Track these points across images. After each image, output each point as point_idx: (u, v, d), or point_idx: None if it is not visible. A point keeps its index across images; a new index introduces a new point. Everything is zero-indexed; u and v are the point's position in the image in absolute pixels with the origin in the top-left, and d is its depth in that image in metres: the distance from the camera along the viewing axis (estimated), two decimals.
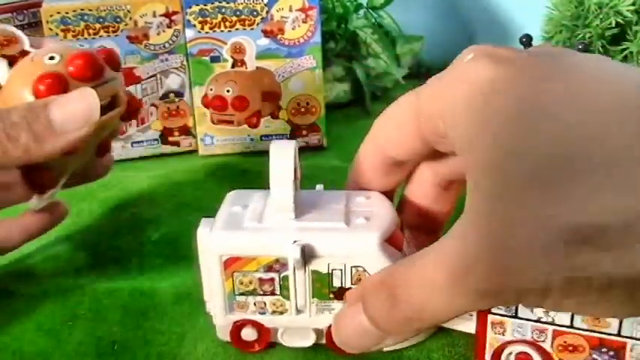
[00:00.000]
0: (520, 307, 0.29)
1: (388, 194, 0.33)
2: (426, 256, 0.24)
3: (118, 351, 0.34)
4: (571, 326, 0.28)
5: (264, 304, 0.30)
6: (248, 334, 0.31)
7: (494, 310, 0.29)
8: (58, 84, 0.31)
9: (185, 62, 0.58)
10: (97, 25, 0.56)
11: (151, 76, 0.58)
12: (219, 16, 0.56)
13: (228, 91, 0.58)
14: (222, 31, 0.56)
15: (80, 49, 0.34)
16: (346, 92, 0.69)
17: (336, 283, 0.29)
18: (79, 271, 0.42)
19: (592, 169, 0.20)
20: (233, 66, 0.57)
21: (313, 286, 0.30)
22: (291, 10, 0.56)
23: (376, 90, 0.72)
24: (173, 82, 0.59)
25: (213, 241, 0.29)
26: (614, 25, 0.57)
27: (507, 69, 0.23)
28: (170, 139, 0.61)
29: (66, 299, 0.38)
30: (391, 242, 0.29)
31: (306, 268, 0.29)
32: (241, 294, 0.30)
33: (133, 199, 0.51)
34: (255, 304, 0.31)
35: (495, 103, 0.23)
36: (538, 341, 0.29)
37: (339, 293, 0.29)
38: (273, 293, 0.30)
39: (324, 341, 0.31)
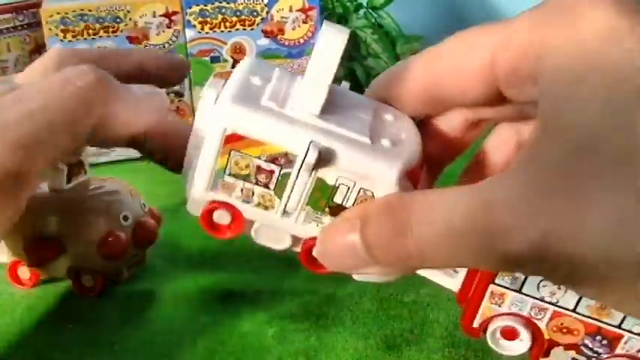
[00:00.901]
0: (527, 283, 0.28)
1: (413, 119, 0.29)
2: (454, 193, 0.21)
3: (118, 351, 0.34)
4: (574, 310, 0.28)
5: (252, 193, 0.27)
6: (221, 216, 0.28)
7: (497, 281, 0.29)
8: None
9: None
10: (97, 26, 0.56)
11: None
12: (220, 17, 0.56)
13: None
14: (222, 31, 0.56)
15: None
16: None
17: (337, 199, 0.26)
18: None
19: None
20: (233, 66, 0.57)
21: (312, 193, 0.26)
22: (291, 10, 0.56)
23: None
24: None
25: (221, 109, 0.25)
26: None
27: (632, 21, 0.20)
28: None
29: (66, 299, 0.38)
30: (411, 177, 0.26)
31: (313, 172, 0.26)
32: (231, 175, 0.26)
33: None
34: (242, 190, 0.27)
35: (612, 57, 0.20)
36: (534, 318, 0.29)
37: (336, 210, 0.26)
38: (266, 186, 0.26)
39: (297, 249, 0.28)
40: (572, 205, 0.19)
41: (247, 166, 0.26)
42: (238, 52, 0.57)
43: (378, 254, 0.23)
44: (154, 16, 0.56)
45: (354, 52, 0.70)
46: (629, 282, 0.19)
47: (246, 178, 0.26)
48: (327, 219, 0.27)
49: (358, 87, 0.69)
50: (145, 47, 0.57)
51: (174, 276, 0.40)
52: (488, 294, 0.29)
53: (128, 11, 0.56)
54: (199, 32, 0.57)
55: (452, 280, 0.29)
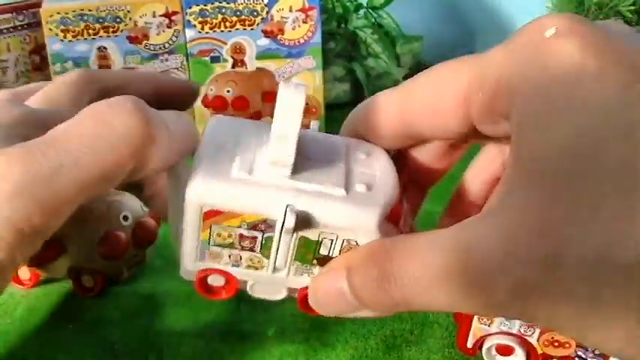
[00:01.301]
0: None
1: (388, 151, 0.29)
2: (431, 243, 0.21)
3: (118, 351, 0.34)
4: None
5: (240, 257, 0.27)
6: (215, 280, 0.28)
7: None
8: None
9: (185, 62, 0.58)
10: (97, 26, 0.56)
11: None
12: (220, 17, 0.56)
13: (228, 91, 0.58)
14: (222, 31, 0.56)
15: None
16: (346, 92, 0.69)
17: (323, 252, 0.26)
18: None
19: None
20: (233, 66, 0.57)
21: (297, 250, 0.26)
22: (291, 10, 0.56)
23: (376, 90, 0.71)
24: None
25: (195, 189, 0.25)
26: None
27: (599, 59, 0.20)
28: None
29: (66, 299, 0.38)
30: (390, 216, 0.26)
31: (294, 234, 0.26)
32: (217, 245, 0.27)
33: None
34: (229, 257, 0.27)
35: (578, 98, 0.20)
36: (525, 335, 0.29)
37: (324, 260, 0.27)
38: (252, 250, 0.27)
39: (295, 295, 0.28)
40: (549, 250, 0.19)
41: (230, 236, 0.26)
42: (238, 52, 0.57)
43: (366, 302, 0.23)
44: (154, 16, 0.56)
45: (354, 52, 0.70)
46: (608, 324, 0.19)
47: (231, 245, 0.27)
48: (316, 269, 0.27)
49: (358, 87, 0.69)
50: (146, 47, 0.57)
51: (174, 276, 0.40)
52: (476, 316, 0.29)
53: (128, 11, 0.56)
54: (199, 32, 0.57)
55: None
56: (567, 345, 0.28)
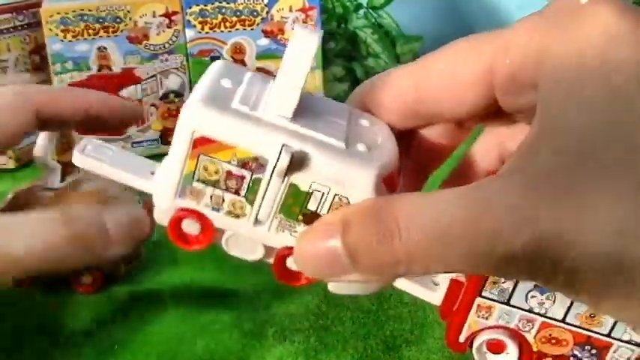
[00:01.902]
0: (515, 294, 0.28)
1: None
2: (445, 196, 0.20)
3: (118, 351, 0.34)
4: (562, 320, 0.28)
5: (222, 200, 0.25)
6: (189, 226, 0.26)
7: (484, 294, 0.28)
8: None
9: (185, 62, 0.58)
10: (97, 26, 0.56)
11: (150, 77, 0.58)
12: (220, 17, 0.56)
13: None
14: (222, 31, 0.56)
15: None
16: (346, 92, 0.69)
17: (312, 206, 0.25)
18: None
19: None
20: None
21: (285, 200, 0.25)
22: (291, 10, 0.56)
23: None
24: (173, 82, 0.59)
25: (189, 111, 0.24)
26: None
27: (633, 22, 0.20)
28: (170, 139, 0.60)
29: (66, 299, 0.38)
30: (388, 182, 0.25)
31: (286, 178, 0.24)
32: (200, 181, 0.25)
33: None
34: (211, 197, 0.25)
35: (614, 60, 0.20)
36: (522, 330, 0.28)
37: (310, 218, 0.25)
38: (237, 192, 0.25)
39: (270, 260, 0.27)
40: (573, 208, 0.19)
41: (217, 172, 0.25)
42: (238, 52, 0.57)
43: (361, 260, 0.21)
44: (154, 16, 0.56)
45: (354, 52, 0.70)
46: (630, 287, 0.19)
47: (215, 184, 0.25)
48: (300, 228, 0.25)
49: None
50: (146, 47, 0.57)
51: (174, 276, 0.40)
52: (474, 307, 0.28)
53: (128, 11, 0.56)
54: (199, 32, 0.57)
55: (433, 294, 0.28)
56: (565, 342, 0.28)
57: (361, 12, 0.71)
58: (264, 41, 0.57)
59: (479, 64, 0.24)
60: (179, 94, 0.59)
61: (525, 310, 0.28)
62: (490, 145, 0.29)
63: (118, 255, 0.29)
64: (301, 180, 0.24)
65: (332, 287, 0.27)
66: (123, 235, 0.29)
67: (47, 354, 0.34)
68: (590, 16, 0.21)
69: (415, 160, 0.29)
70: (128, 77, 0.57)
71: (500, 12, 0.80)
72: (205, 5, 0.56)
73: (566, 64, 0.21)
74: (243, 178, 0.25)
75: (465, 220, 0.19)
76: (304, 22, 0.57)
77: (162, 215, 0.26)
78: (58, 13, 0.55)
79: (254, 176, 0.24)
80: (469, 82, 0.24)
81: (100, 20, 0.55)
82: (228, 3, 0.56)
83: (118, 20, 0.56)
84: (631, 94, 0.19)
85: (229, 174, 0.25)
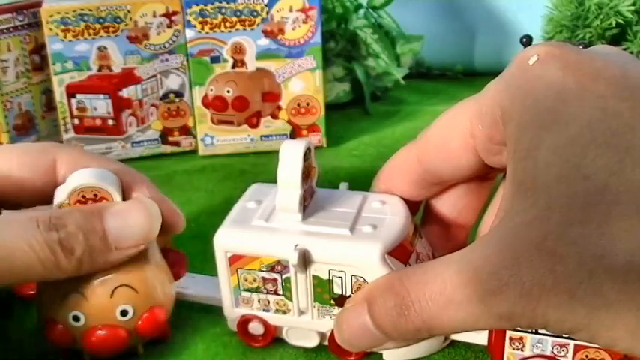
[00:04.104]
0: None
1: (415, 203, 0.32)
2: (444, 266, 0.23)
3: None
4: None
5: (268, 301, 0.31)
6: (254, 327, 0.32)
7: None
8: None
9: (185, 62, 0.58)
10: (97, 26, 0.56)
11: (151, 77, 0.58)
12: (220, 17, 0.56)
13: (228, 91, 0.58)
14: (222, 31, 0.56)
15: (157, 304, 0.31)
16: (346, 92, 0.69)
17: (337, 290, 0.29)
18: None
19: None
20: (233, 66, 0.57)
21: (314, 290, 0.30)
22: (291, 10, 0.56)
23: (376, 90, 0.72)
24: (173, 82, 0.59)
25: (220, 236, 0.30)
26: (614, 25, 0.57)
27: (577, 76, 0.22)
28: (170, 139, 0.61)
29: None
30: (396, 254, 0.28)
31: (307, 272, 0.29)
32: (246, 290, 0.31)
33: None
34: (259, 301, 0.31)
35: (563, 114, 0.22)
36: (558, 356, 0.28)
37: (340, 300, 0.29)
38: (276, 292, 0.30)
39: (327, 343, 0.31)
40: (550, 256, 0.20)
41: (255, 280, 0.30)
42: (238, 52, 0.57)
43: (389, 331, 0.24)
44: (154, 16, 0.56)
45: (354, 52, 0.70)
46: (614, 322, 0.20)
47: (258, 290, 0.30)
48: (336, 310, 0.30)
49: (358, 87, 0.69)
50: (146, 47, 0.57)
51: None
52: (507, 340, 0.29)
53: (128, 11, 0.56)
54: (199, 32, 0.57)
55: (479, 335, 0.30)
56: None
57: (361, 12, 0.71)
58: (264, 41, 0.57)
59: (462, 133, 0.27)
60: (179, 94, 0.59)
61: (555, 336, 0.28)
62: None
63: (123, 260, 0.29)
64: (320, 270, 0.29)
65: (387, 356, 0.31)
66: (129, 236, 0.29)
67: (46, 354, 0.34)
68: (539, 76, 0.23)
69: (443, 223, 0.32)
70: (128, 77, 0.57)
71: (501, 12, 0.80)
72: (205, 5, 0.56)
73: (523, 123, 0.23)
74: (275, 280, 0.30)
75: (460, 288, 0.22)
76: (304, 22, 0.57)
77: (232, 323, 0.32)
78: (59, 13, 0.55)
79: (284, 276, 0.30)
80: (457, 149, 0.28)
81: (100, 20, 0.55)
82: (228, 3, 0.56)
83: (118, 20, 0.56)
84: (581, 143, 0.21)
85: (264, 279, 0.30)
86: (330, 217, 0.30)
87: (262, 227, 0.30)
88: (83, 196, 0.29)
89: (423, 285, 0.23)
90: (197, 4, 0.56)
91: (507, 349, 0.29)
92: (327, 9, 0.68)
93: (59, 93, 0.57)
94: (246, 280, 0.30)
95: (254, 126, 0.60)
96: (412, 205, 0.32)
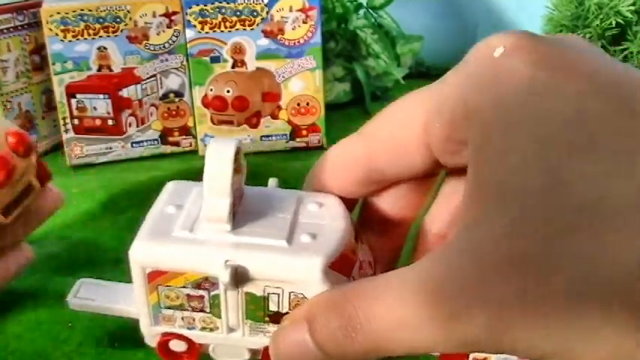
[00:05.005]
0: None
1: (351, 201, 0.29)
2: (398, 282, 0.20)
3: (118, 350, 0.34)
4: None
5: (193, 319, 0.27)
6: (176, 345, 0.28)
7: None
8: None
9: (185, 62, 0.58)
10: (97, 26, 0.56)
11: (150, 77, 0.58)
12: (220, 17, 0.56)
13: (228, 91, 0.58)
14: (222, 31, 0.56)
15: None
16: (346, 92, 0.69)
17: (273, 308, 0.26)
18: (78, 271, 0.41)
19: (615, 216, 0.17)
20: (233, 66, 0.57)
21: (247, 307, 0.26)
22: (291, 10, 0.56)
23: (376, 90, 0.72)
24: (173, 82, 0.59)
25: (136, 249, 0.25)
26: (614, 25, 0.57)
27: (550, 71, 0.20)
28: (170, 139, 0.61)
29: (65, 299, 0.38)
30: (338, 265, 0.25)
31: (240, 289, 0.25)
32: (168, 307, 0.27)
33: (132, 200, 0.51)
34: (182, 319, 0.27)
35: (534, 111, 0.19)
36: None
37: (276, 317, 0.26)
38: (202, 310, 0.26)
39: (259, 357, 0.28)
40: (523, 277, 0.18)
41: (178, 297, 0.26)
42: (238, 52, 0.57)
43: (332, 354, 0.21)
44: (154, 16, 0.56)
45: (354, 52, 0.70)
46: (591, 344, 0.18)
47: (181, 307, 0.26)
48: (271, 327, 0.26)
49: (358, 87, 0.69)
50: (146, 47, 0.57)
51: None
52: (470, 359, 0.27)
53: (128, 11, 0.56)
54: (199, 32, 0.57)
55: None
56: None
57: (361, 12, 0.71)
58: (264, 41, 0.57)
59: (415, 128, 0.24)
60: (179, 94, 0.59)
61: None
62: (448, 194, 0.28)
63: None
64: (254, 287, 0.25)
65: None
66: None
67: (46, 353, 0.34)
68: (506, 71, 0.20)
69: (382, 223, 0.29)
70: (128, 77, 0.57)
71: (500, 12, 0.80)
72: (205, 5, 0.56)
73: (489, 120, 0.20)
74: (202, 297, 0.26)
75: (417, 307, 0.19)
76: (304, 22, 0.57)
77: (150, 340, 0.28)
78: (58, 13, 0.55)
79: (211, 293, 0.26)
80: (409, 146, 0.24)
81: (100, 20, 0.55)
82: (228, 3, 0.56)
83: (118, 20, 0.56)
84: (555, 144, 0.19)
85: (189, 296, 0.26)
86: (264, 225, 0.26)
87: (186, 239, 0.25)
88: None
89: (373, 303, 0.20)
90: (197, 4, 0.56)
91: None
92: (327, 9, 0.68)
93: (59, 93, 0.57)
94: (167, 297, 0.26)
95: (254, 126, 0.60)
96: (348, 203, 0.28)
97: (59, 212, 0.40)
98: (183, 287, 0.26)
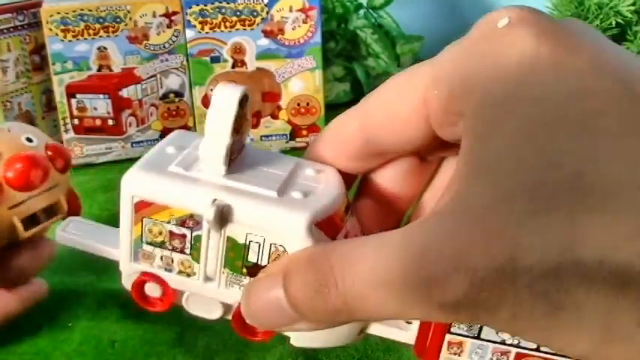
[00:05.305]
0: (485, 327, 0.26)
1: (350, 177, 0.28)
2: (380, 243, 0.20)
3: (118, 350, 0.34)
4: (537, 349, 0.26)
5: (172, 260, 0.27)
6: (151, 289, 0.28)
7: (453, 330, 0.27)
8: None
9: (185, 62, 0.58)
10: (97, 26, 0.56)
11: (151, 77, 0.58)
12: (220, 17, 0.56)
13: None
14: (222, 31, 0.56)
15: (26, 150, 0.31)
16: (346, 92, 0.69)
17: (252, 258, 0.25)
18: (79, 271, 0.42)
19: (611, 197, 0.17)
20: (233, 66, 0.57)
21: (226, 254, 0.26)
22: (291, 10, 0.56)
23: None
24: (173, 82, 0.59)
25: (128, 178, 0.26)
26: (614, 25, 0.57)
27: (553, 46, 0.19)
28: None
29: (66, 299, 0.38)
30: (325, 226, 0.25)
31: (222, 232, 0.25)
32: (149, 243, 0.27)
33: None
34: (162, 258, 0.27)
35: (536, 87, 0.19)
36: None
37: (254, 270, 0.25)
38: (182, 251, 0.26)
39: (230, 318, 0.28)
40: (507, 250, 0.18)
41: (161, 233, 0.26)
42: (238, 52, 0.57)
43: (304, 310, 0.21)
44: (154, 16, 0.56)
45: (354, 52, 0.70)
46: (572, 327, 0.18)
47: (162, 245, 0.26)
48: (247, 280, 0.26)
49: (358, 87, 0.69)
50: (146, 47, 0.57)
51: None
52: (445, 344, 0.27)
53: (128, 11, 0.56)
54: (199, 32, 0.57)
55: (406, 334, 0.27)
56: None
57: (361, 12, 0.71)
58: (264, 41, 0.57)
59: (414, 99, 0.23)
60: (179, 94, 0.59)
61: (497, 343, 0.26)
62: (449, 174, 0.28)
63: None
64: (236, 232, 0.25)
65: (294, 340, 0.27)
66: None
67: (46, 353, 0.34)
68: (508, 42, 0.20)
69: (379, 201, 0.28)
70: (128, 77, 0.57)
71: None
72: (205, 5, 0.56)
73: (487, 93, 0.20)
74: (184, 236, 0.26)
75: (397, 268, 0.19)
76: (304, 22, 0.57)
77: (127, 280, 0.28)
78: (58, 13, 0.55)
79: (194, 233, 0.26)
80: (407, 117, 0.24)
81: (100, 20, 0.55)
82: (228, 3, 0.56)
83: (118, 20, 0.56)
84: (550, 124, 0.18)
85: (172, 234, 0.26)
86: (258, 175, 0.26)
87: (179, 175, 0.25)
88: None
89: (351, 261, 0.20)
90: (197, 4, 0.56)
91: (444, 353, 0.27)
92: (327, 9, 0.69)
93: (59, 93, 0.57)
94: (150, 231, 0.26)
95: (254, 126, 0.60)
96: (347, 179, 0.28)
97: None
98: (168, 222, 0.26)
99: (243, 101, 0.25)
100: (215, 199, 0.24)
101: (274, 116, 0.59)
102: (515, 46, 0.20)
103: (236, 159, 0.26)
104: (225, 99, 0.25)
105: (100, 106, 0.57)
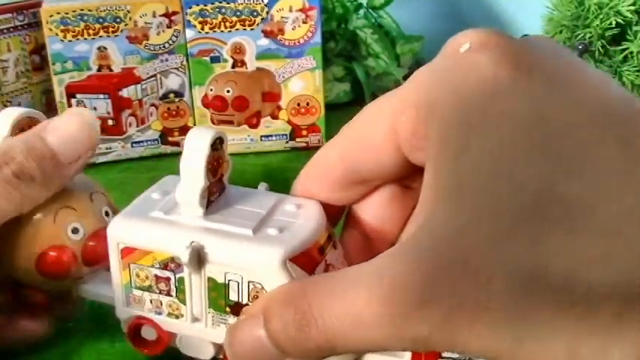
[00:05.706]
0: None
1: (337, 209, 0.29)
2: (354, 278, 0.20)
3: (118, 350, 0.34)
4: None
5: (161, 303, 0.28)
6: (147, 332, 0.28)
7: (445, 355, 0.26)
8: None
9: (185, 62, 0.58)
10: (97, 26, 0.56)
11: (151, 77, 0.58)
12: (220, 17, 0.56)
13: (228, 91, 0.58)
14: (222, 31, 0.56)
15: (101, 227, 0.29)
16: (346, 92, 0.69)
17: (233, 297, 0.26)
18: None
19: (577, 213, 0.18)
20: (233, 66, 0.57)
21: (209, 294, 0.26)
22: (291, 10, 0.56)
23: (376, 90, 0.72)
24: (173, 82, 0.59)
25: (113, 226, 0.27)
26: (614, 25, 0.57)
27: (511, 70, 0.20)
28: (170, 139, 0.61)
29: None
30: (301, 261, 0.25)
31: (202, 273, 0.26)
32: (138, 288, 0.27)
33: (132, 200, 0.51)
34: (151, 302, 0.28)
35: (494, 112, 0.19)
36: None
37: (236, 308, 0.26)
38: (169, 294, 0.27)
39: (221, 357, 0.28)
40: (475, 277, 0.18)
41: (147, 277, 0.27)
42: (238, 52, 0.57)
43: (287, 348, 0.21)
44: (154, 16, 0.56)
45: (354, 52, 0.70)
46: (544, 345, 0.17)
47: (150, 289, 0.27)
48: (232, 319, 0.26)
49: (358, 87, 0.69)
50: (146, 47, 0.57)
51: None
52: None
53: (128, 11, 0.56)
54: (199, 32, 0.57)
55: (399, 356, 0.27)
56: None
57: (361, 12, 0.72)
58: (264, 41, 0.57)
59: (384, 125, 0.24)
60: (179, 94, 0.59)
61: None
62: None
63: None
64: (215, 272, 0.26)
65: None
66: (75, 148, 0.28)
67: (46, 353, 0.34)
68: (468, 68, 0.20)
69: (364, 232, 0.29)
70: (128, 77, 0.57)
71: (500, 12, 0.80)
72: (205, 5, 0.56)
73: (449, 117, 0.20)
74: (168, 279, 0.27)
75: (371, 304, 0.19)
76: (304, 22, 0.57)
77: (124, 325, 0.29)
78: (58, 13, 0.55)
79: (177, 275, 0.27)
80: (379, 144, 0.24)
81: (100, 20, 0.55)
82: (228, 3, 0.56)
83: (118, 20, 0.56)
84: (512, 147, 0.19)
85: (157, 277, 0.27)
86: (236, 215, 0.27)
87: (159, 219, 0.26)
88: (22, 129, 0.29)
89: (328, 298, 0.20)
90: (197, 4, 0.56)
91: None
92: (327, 9, 0.69)
93: (59, 93, 0.57)
94: (138, 276, 0.27)
95: (254, 126, 0.60)
96: (334, 212, 0.28)
97: None
98: (152, 266, 0.27)
99: (218, 143, 0.26)
100: (192, 242, 0.25)
101: (274, 116, 0.59)
102: (474, 71, 0.20)
103: (216, 200, 0.27)
104: (197, 143, 0.26)
105: (99, 106, 0.57)
